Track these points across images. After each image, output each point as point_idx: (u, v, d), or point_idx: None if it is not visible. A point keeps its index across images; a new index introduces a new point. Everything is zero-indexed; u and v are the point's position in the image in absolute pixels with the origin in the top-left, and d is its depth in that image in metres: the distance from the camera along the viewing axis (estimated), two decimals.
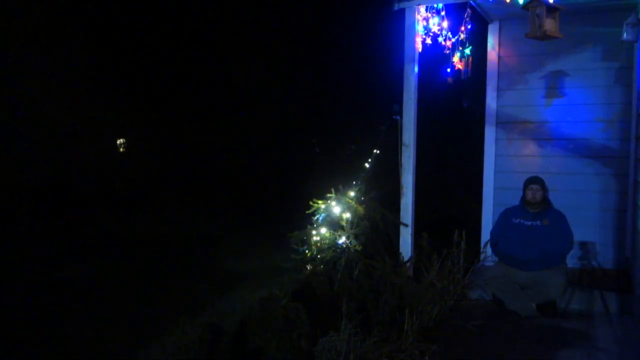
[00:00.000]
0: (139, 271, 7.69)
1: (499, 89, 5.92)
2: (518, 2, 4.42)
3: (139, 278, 7.26)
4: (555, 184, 5.43)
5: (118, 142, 21.83)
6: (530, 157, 5.80)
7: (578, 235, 5.01)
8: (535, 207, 4.91)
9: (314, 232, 4.87)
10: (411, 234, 5.03)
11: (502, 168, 5.92)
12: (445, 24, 5.30)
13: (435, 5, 5.15)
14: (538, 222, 4.86)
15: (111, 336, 5.01)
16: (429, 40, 5.16)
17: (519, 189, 5.06)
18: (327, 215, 4.95)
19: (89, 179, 16.29)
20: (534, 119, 5.79)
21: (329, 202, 5.02)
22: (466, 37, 5.50)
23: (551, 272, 4.69)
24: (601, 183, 5.49)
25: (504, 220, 5.09)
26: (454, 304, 4.45)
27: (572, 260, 5.29)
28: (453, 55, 5.46)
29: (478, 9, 5.50)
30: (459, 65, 5.49)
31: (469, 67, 5.53)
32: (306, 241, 4.85)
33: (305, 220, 5.04)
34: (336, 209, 4.93)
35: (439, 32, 5.27)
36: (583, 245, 5.45)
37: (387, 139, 5.44)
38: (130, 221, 12.44)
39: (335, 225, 4.88)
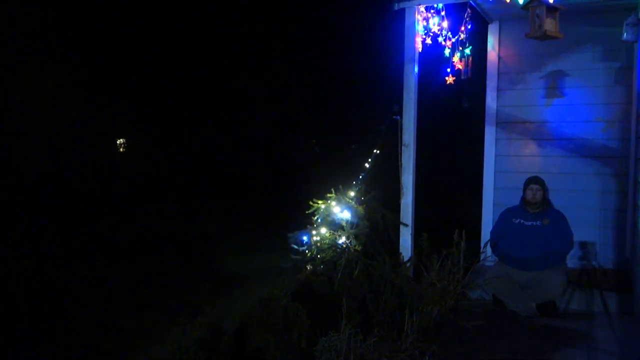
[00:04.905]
0: (139, 271, 7.69)
1: (499, 89, 5.92)
2: (518, 2, 4.42)
3: (138, 278, 7.26)
4: (555, 184, 5.42)
5: (118, 142, 21.84)
6: (530, 157, 5.80)
7: (578, 235, 5.01)
8: (535, 207, 4.91)
9: (314, 232, 4.87)
10: (411, 234, 5.03)
11: (502, 168, 5.92)
12: (445, 24, 5.29)
13: (435, 5, 5.15)
14: (538, 222, 4.86)
15: (111, 336, 5.01)
16: (429, 40, 5.16)
17: (519, 189, 5.06)
18: (327, 215, 4.94)
19: (89, 179, 16.28)
20: (534, 119, 5.79)
21: (329, 202, 5.02)
22: (466, 37, 5.49)
23: (551, 272, 4.69)
24: (601, 183, 5.48)
25: (504, 220, 5.09)
26: (454, 304, 4.45)
27: (572, 260, 5.29)
28: (453, 55, 5.46)
29: (478, 9, 5.50)
30: (459, 65, 5.49)
31: (469, 67, 5.53)
32: (306, 241, 4.84)
33: (305, 220, 5.04)
34: (336, 209, 4.93)
35: (439, 32, 5.27)
36: (583, 245, 5.44)
37: (387, 139, 5.44)
38: (130, 221, 12.44)
39: (335, 225, 4.88)
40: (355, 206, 4.93)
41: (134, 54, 19.72)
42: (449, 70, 5.48)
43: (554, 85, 5.68)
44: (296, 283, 4.14)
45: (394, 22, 5.07)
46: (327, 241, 4.76)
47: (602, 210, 5.48)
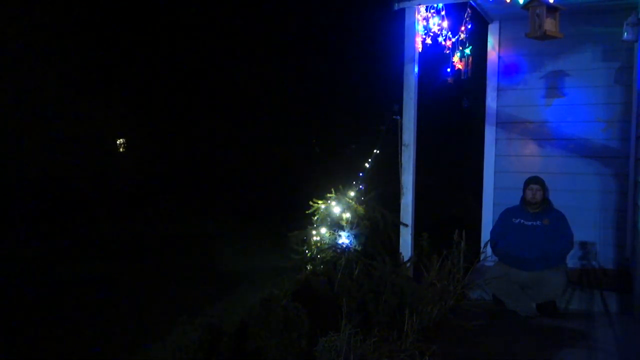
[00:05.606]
0: (139, 271, 7.69)
1: (499, 89, 5.92)
2: (518, 2, 4.41)
3: (138, 278, 7.26)
4: (555, 184, 5.42)
5: (118, 142, 21.83)
6: (530, 157, 5.80)
7: (578, 235, 5.01)
8: (535, 207, 4.91)
9: (314, 232, 4.87)
10: (411, 234, 5.03)
11: (502, 168, 5.92)
12: (445, 23, 5.29)
13: (435, 5, 5.15)
14: (538, 222, 4.86)
15: (111, 336, 5.01)
16: (429, 40, 5.16)
17: (519, 188, 5.06)
18: (327, 215, 4.94)
19: (88, 179, 16.27)
20: (534, 119, 5.79)
21: (329, 202, 5.02)
22: (466, 37, 5.49)
23: (551, 272, 4.69)
24: (601, 183, 5.48)
25: (504, 220, 5.09)
26: (454, 304, 4.45)
27: (572, 260, 5.29)
28: (453, 55, 5.46)
29: (478, 9, 5.50)
30: (459, 65, 5.49)
31: (469, 67, 5.53)
32: (306, 241, 4.84)
33: (305, 220, 5.04)
34: (336, 209, 4.93)
35: (439, 32, 5.27)
36: (583, 245, 5.44)
37: (387, 139, 5.43)
38: (130, 221, 12.44)
39: (335, 225, 4.88)
40: (355, 206, 4.92)
41: (134, 54, 19.71)
42: (449, 70, 5.48)
43: (554, 85, 5.68)
44: (296, 283, 4.14)
45: (394, 22, 5.07)
46: (327, 241, 4.76)
47: (602, 210, 5.48)
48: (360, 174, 5.40)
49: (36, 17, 15.29)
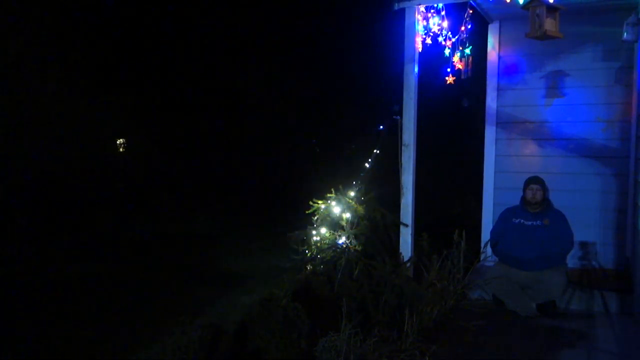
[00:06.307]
0: (139, 271, 7.69)
1: (499, 89, 5.92)
2: (518, 2, 4.41)
3: (138, 278, 7.26)
4: (555, 184, 5.42)
5: (118, 142, 21.83)
6: (530, 157, 5.80)
7: (578, 235, 5.01)
8: (535, 207, 4.91)
9: (314, 232, 4.87)
10: (411, 234, 5.03)
11: (502, 168, 5.92)
12: (445, 23, 5.29)
13: (435, 5, 5.15)
14: (538, 222, 4.86)
15: (111, 336, 5.01)
16: (429, 40, 5.16)
17: (519, 188, 5.06)
18: (327, 215, 4.94)
19: (88, 179, 16.27)
20: (534, 118, 5.79)
21: (329, 202, 5.02)
22: (466, 37, 5.49)
23: (551, 272, 4.69)
24: (601, 183, 5.48)
25: (504, 220, 5.09)
26: (454, 304, 4.45)
27: (572, 260, 5.29)
28: (453, 55, 5.46)
29: (478, 9, 5.50)
30: (459, 65, 5.49)
31: (469, 67, 5.53)
32: (306, 241, 4.84)
33: (305, 220, 5.04)
34: (336, 209, 4.93)
35: (439, 32, 5.27)
36: (583, 245, 5.44)
37: (387, 139, 5.44)
38: (130, 221, 12.44)
39: (335, 225, 4.88)
40: (355, 206, 4.93)
41: (134, 54, 19.72)
42: (449, 70, 5.48)
43: (554, 85, 5.68)
44: (296, 283, 4.14)
45: (394, 22, 5.07)
46: (327, 241, 4.76)
47: (602, 210, 5.48)
48: (360, 174, 5.41)
49: (36, 17, 15.30)
